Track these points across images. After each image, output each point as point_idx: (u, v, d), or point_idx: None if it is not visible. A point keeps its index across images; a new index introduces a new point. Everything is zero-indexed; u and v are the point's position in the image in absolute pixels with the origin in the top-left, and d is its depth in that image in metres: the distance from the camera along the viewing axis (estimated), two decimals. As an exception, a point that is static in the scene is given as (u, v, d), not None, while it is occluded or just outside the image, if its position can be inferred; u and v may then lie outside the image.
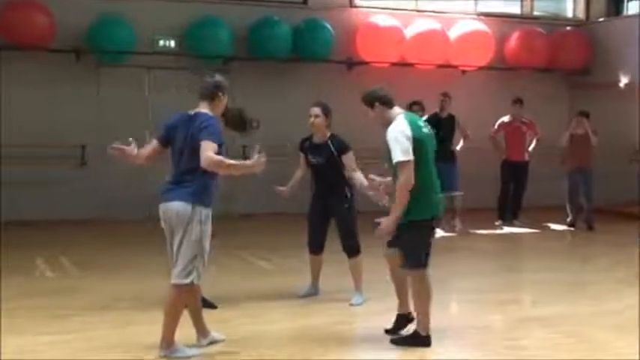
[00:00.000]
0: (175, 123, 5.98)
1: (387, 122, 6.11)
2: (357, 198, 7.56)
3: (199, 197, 5.74)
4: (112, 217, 13.48)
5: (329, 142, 7.52)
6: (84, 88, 13.59)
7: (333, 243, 7.73)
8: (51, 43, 12.97)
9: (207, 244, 5.77)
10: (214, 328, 6.27)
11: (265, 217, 13.78)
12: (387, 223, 5.98)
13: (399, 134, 5.96)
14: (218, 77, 6.01)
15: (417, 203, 5.99)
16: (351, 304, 7.52)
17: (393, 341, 6.25)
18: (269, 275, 9.19)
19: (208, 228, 5.78)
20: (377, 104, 6.20)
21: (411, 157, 5.92)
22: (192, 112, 5.92)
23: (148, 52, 13.81)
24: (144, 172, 13.85)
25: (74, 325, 6.71)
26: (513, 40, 15.98)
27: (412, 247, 6.09)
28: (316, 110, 7.55)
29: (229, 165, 5.70)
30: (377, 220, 6.05)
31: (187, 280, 5.68)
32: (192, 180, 5.76)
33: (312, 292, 7.89)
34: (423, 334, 6.16)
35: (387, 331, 6.44)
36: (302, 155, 7.73)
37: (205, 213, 5.74)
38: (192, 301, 6.03)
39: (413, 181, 5.92)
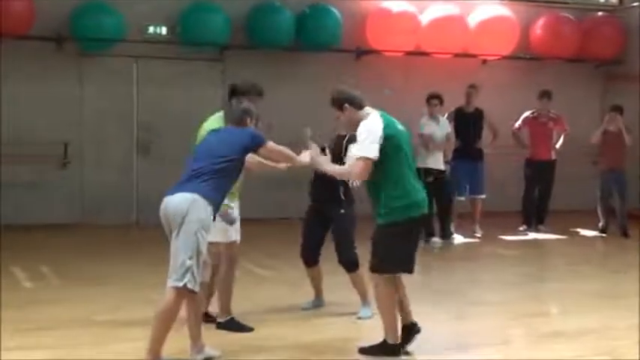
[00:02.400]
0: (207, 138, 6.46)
1: (357, 124, 6.24)
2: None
3: (205, 193, 5.88)
4: (97, 221, 13.51)
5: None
6: (65, 79, 13.61)
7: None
8: (29, 30, 12.99)
9: (203, 247, 5.85)
10: (208, 343, 6.29)
11: (265, 222, 13.78)
12: (313, 156, 6.48)
13: (372, 129, 6.11)
14: (246, 104, 6.59)
15: (390, 205, 6.13)
16: (359, 318, 7.54)
17: (360, 351, 6.40)
18: (269, 285, 9.22)
19: (208, 229, 5.89)
20: (347, 105, 6.32)
21: (373, 155, 6.05)
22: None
23: (136, 40, 13.82)
24: (132, 173, 14.02)
25: (53, 341, 6.73)
26: (539, 26, 15.94)
27: (376, 250, 6.26)
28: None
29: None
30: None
31: (181, 283, 5.74)
32: (204, 178, 5.95)
33: (317, 305, 7.94)
34: (391, 342, 6.28)
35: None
36: None
37: (208, 210, 5.86)
38: (191, 310, 6.07)
39: (363, 179, 6.17)
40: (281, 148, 6.46)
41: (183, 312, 6.02)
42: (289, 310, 7.88)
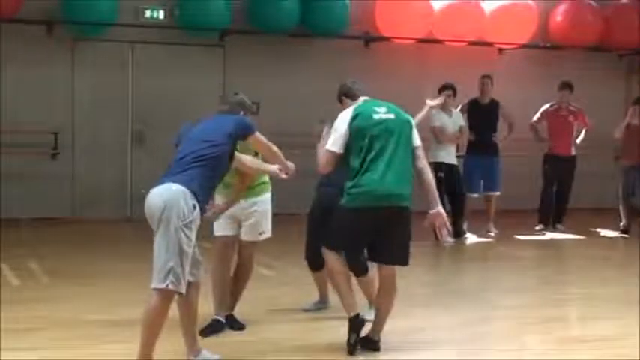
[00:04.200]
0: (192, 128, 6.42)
1: None
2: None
3: (187, 183, 5.76)
4: (88, 216, 13.53)
5: None
6: (56, 65, 13.62)
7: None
8: (18, 13, 12.98)
9: (187, 246, 5.70)
10: (207, 345, 6.30)
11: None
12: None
13: (339, 124, 6.52)
14: (241, 95, 6.89)
15: (346, 191, 6.47)
16: (366, 320, 7.53)
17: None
18: (271, 284, 9.21)
19: (191, 224, 5.72)
20: (344, 98, 6.86)
21: (336, 149, 6.48)
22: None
23: (132, 24, 13.82)
24: (125, 165, 14.02)
25: (42, 342, 6.74)
26: (559, 13, 15.93)
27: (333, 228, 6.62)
28: None
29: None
30: None
31: (163, 285, 5.66)
32: (186, 167, 5.86)
33: (320, 306, 7.95)
34: (352, 314, 6.55)
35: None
36: None
37: (190, 203, 5.71)
38: (183, 313, 6.05)
39: (326, 170, 6.66)
40: (269, 143, 6.46)
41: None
42: (291, 310, 7.89)
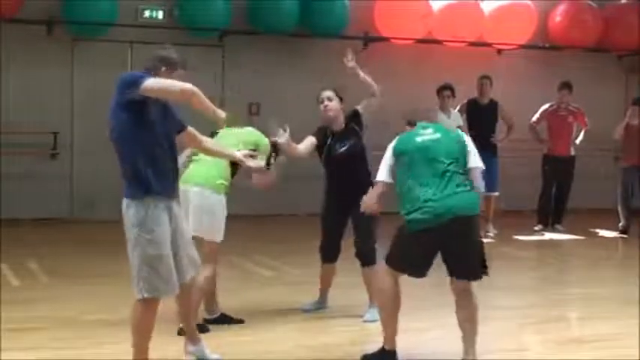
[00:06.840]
0: None
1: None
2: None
3: (129, 188, 5.63)
4: (87, 216, 13.53)
5: (351, 124, 7.55)
6: (56, 65, 13.61)
7: (344, 249, 7.73)
8: (17, 13, 12.98)
9: (152, 250, 5.56)
10: (207, 345, 6.28)
11: (266, 219, 13.80)
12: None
13: (385, 155, 6.35)
14: (168, 51, 6.05)
15: (402, 212, 6.11)
16: (365, 321, 7.52)
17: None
18: (270, 286, 9.21)
19: (150, 226, 5.55)
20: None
21: (380, 178, 6.31)
22: None
23: (131, 25, 13.82)
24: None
25: (42, 342, 6.74)
26: (559, 13, 15.93)
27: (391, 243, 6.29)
28: (328, 93, 7.57)
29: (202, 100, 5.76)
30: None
31: (140, 295, 5.60)
32: (122, 171, 5.72)
33: (320, 306, 7.93)
34: (388, 348, 6.25)
35: None
36: (313, 140, 7.65)
37: (141, 210, 5.55)
38: (180, 306, 6.06)
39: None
40: (169, 81, 5.62)
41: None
42: (290, 312, 7.87)
